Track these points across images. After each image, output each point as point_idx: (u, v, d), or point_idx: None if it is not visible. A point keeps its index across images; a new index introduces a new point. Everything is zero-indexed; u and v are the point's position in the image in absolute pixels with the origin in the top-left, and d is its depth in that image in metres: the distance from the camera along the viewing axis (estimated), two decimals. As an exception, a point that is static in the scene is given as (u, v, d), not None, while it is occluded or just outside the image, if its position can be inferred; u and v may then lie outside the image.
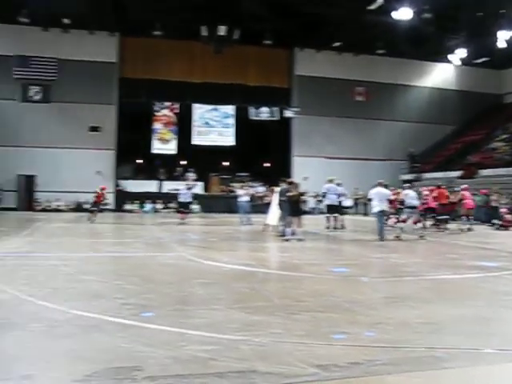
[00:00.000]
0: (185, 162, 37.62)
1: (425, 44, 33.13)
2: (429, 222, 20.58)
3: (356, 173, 33.42)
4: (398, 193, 20.58)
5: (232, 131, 35.77)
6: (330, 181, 19.59)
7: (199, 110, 35.64)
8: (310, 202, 30.46)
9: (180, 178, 34.99)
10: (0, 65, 31.16)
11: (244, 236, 18.58)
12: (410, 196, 17.78)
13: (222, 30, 28.77)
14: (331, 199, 20.20)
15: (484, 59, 35.69)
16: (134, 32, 32.61)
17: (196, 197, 33.26)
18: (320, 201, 24.19)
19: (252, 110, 35.32)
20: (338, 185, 21.37)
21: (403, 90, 37.43)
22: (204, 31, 29.48)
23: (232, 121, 35.89)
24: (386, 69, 35.88)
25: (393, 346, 4.90)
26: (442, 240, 17.27)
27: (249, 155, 35.92)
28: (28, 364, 4.32)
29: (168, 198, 33.14)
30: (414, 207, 17.78)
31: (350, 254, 12.97)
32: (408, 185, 20.46)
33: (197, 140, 35.28)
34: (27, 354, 4.58)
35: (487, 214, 23.98)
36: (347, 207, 23.35)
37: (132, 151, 35.71)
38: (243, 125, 35.18)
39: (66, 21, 30.75)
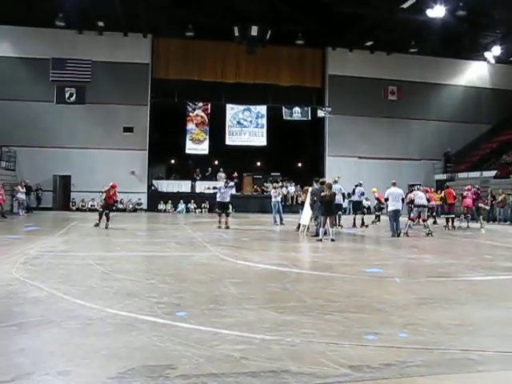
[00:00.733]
0: (217, 162, 37.82)
1: (458, 42, 32.71)
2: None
3: (389, 173, 33.03)
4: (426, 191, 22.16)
5: (264, 131, 35.73)
6: (335, 181, 19.71)
7: (232, 111, 35.70)
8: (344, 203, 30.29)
9: (213, 177, 35.25)
10: (37, 68, 31.88)
11: (276, 236, 18.57)
12: (418, 196, 18.70)
13: (254, 31, 28.77)
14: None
15: (520, 57, 35.00)
16: (167, 33, 32.95)
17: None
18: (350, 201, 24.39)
19: (285, 110, 35.25)
20: (360, 185, 22.55)
21: (437, 89, 36.91)
22: (236, 32, 29.54)
23: (264, 121, 35.85)
24: (418, 67, 35.46)
25: (426, 348, 4.84)
26: (477, 240, 17.08)
27: (281, 155, 35.88)
28: (64, 360, 4.40)
29: (201, 198, 33.38)
30: (423, 206, 18.55)
31: (382, 254, 12.85)
32: (417, 185, 21.30)
33: (229, 140, 35.35)
34: (63, 351, 4.66)
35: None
36: (367, 207, 23.56)
37: (165, 151, 36.01)
38: (276, 125, 35.11)
39: (100, 23, 31.26)
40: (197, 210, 33.16)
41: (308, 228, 17.81)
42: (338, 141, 35.29)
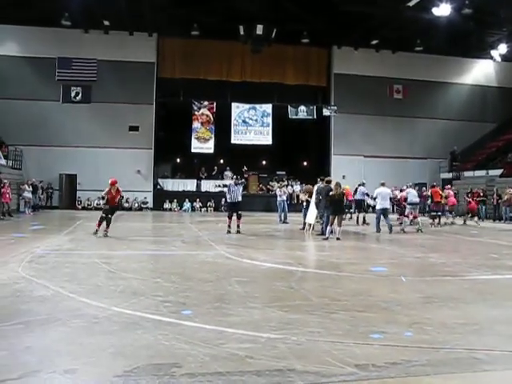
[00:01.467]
0: (223, 161, 37.84)
1: (464, 40, 32.54)
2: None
3: (395, 171, 33.06)
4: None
5: (270, 130, 35.70)
6: (362, 184, 20.10)
7: (237, 109, 35.66)
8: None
9: (219, 176, 35.32)
10: (43, 67, 31.93)
11: (282, 234, 18.58)
12: (411, 194, 20.05)
13: (259, 30, 28.75)
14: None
15: (527, 55, 34.82)
16: (172, 32, 32.92)
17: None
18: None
19: (290, 109, 35.21)
20: (363, 185, 23.45)
21: (442, 88, 36.74)
22: (242, 31, 29.53)
23: (270, 120, 35.82)
24: (424, 66, 35.27)
25: (431, 347, 4.85)
26: (483, 239, 17.04)
27: (287, 154, 35.86)
28: (70, 358, 4.42)
29: (207, 197, 33.43)
30: (415, 204, 20.00)
31: (388, 253, 12.85)
32: (410, 184, 22.15)
33: (235, 139, 35.32)
34: (69, 349, 4.69)
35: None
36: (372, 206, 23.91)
37: (170, 150, 36.07)
38: (281, 123, 35.07)
39: (105, 23, 31.29)
40: (202, 209, 33.18)
41: (313, 227, 17.80)
42: (343, 139, 35.21)
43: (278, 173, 35.52)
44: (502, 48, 32.41)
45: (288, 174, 35.76)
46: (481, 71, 38.00)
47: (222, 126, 34.96)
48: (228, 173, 35.11)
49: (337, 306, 6.56)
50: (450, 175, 34.89)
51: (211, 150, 35.07)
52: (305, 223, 18.59)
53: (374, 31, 32.05)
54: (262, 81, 34.86)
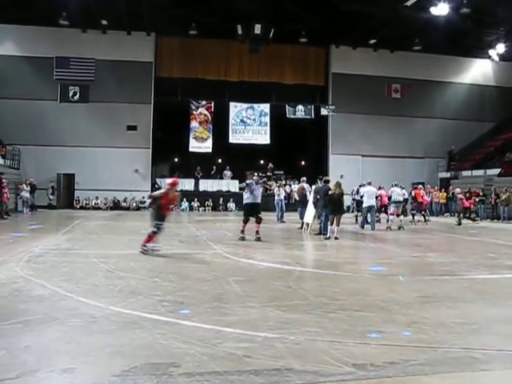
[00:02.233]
0: (221, 161, 37.86)
1: (462, 40, 32.66)
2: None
3: (393, 171, 33.08)
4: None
5: (268, 129, 35.75)
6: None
7: (235, 109, 35.72)
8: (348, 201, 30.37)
9: (217, 176, 35.36)
10: (41, 66, 31.96)
11: (280, 234, 18.60)
12: (396, 192, 20.75)
13: (257, 29, 28.76)
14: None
15: (524, 54, 34.85)
16: (170, 32, 32.94)
17: (232, 195, 33.50)
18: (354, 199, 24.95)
19: (288, 109, 35.24)
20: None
21: (440, 87, 36.78)
22: (240, 30, 29.53)
23: (268, 119, 35.87)
24: (422, 65, 35.32)
25: (429, 346, 4.85)
26: (481, 239, 17.09)
27: (285, 153, 35.86)
28: (69, 358, 4.42)
29: (204, 196, 33.45)
30: (399, 202, 20.70)
31: (386, 253, 12.85)
32: (394, 182, 22.19)
33: (233, 138, 35.37)
34: (67, 349, 4.69)
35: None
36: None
37: (168, 150, 36.09)
38: (279, 123, 35.14)
39: (103, 22, 31.29)
40: (200, 209, 33.20)
41: (310, 226, 17.80)
42: (341, 139, 35.25)
43: (275, 172, 35.49)
44: (500, 47, 32.45)
45: (286, 173, 35.75)
46: (479, 70, 38.06)
47: (220, 125, 35.03)
48: (227, 172, 35.23)
49: (335, 305, 6.57)
50: (447, 174, 34.95)
51: (209, 150, 35.14)
52: (303, 223, 18.61)
53: (373, 31, 32.12)
54: (260, 80, 34.94)
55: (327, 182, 16.69)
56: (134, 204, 32.69)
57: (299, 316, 5.98)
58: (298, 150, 38.30)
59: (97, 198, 32.39)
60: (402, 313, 6.22)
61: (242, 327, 5.41)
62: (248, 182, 16.03)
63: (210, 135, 35.06)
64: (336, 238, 15.20)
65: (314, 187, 18.10)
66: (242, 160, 35.35)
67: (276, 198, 23.46)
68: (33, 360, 4.35)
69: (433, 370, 4.27)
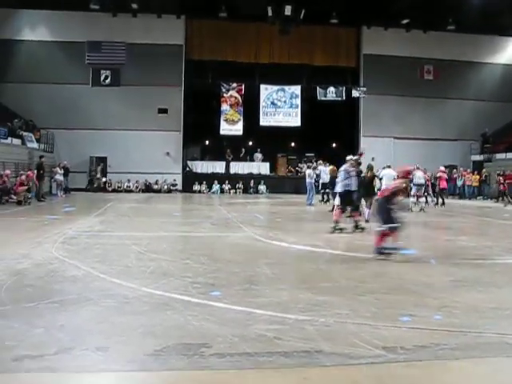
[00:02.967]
0: (251, 143, 37.82)
1: (498, 18, 31.74)
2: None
3: (425, 153, 32.65)
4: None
5: (299, 112, 35.54)
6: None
7: (266, 91, 35.54)
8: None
9: (247, 158, 35.40)
10: (73, 51, 32.25)
11: (311, 217, 18.56)
12: (417, 176, 20.72)
13: (288, 10, 28.46)
14: None
15: None
16: (200, 14, 32.85)
17: (263, 178, 33.55)
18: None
19: (319, 91, 34.97)
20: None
21: (475, 68, 35.93)
22: (270, 12, 29.28)
23: (298, 101, 35.64)
24: (456, 45, 34.52)
25: (461, 331, 4.82)
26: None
27: (316, 135, 35.56)
28: (102, 337, 4.53)
29: (235, 179, 33.51)
30: (420, 185, 21.06)
31: (419, 236, 12.74)
32: (417, 165, 22.23)
33: (264, 121, 35.23)
34: (101, 328, 4.80)
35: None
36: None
37: (199, 132, 36.09)
38: (310, 105, 34.86)
39: (134, 6, 31.33)
40: (231, 191, 33.29)
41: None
42: (372, 121, 34.85)
43: (306, 154, 35.33)
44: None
45: (317, 155, 35.55)
46: (515, 50, 37.09)
47: (250, 107, 34.90)
48: (258, 155, 35.21)
49: (365, 288, 6.56)
50: (481, 157, 34.34)
51: (240, 132, 35.09)
52: (333, 205, 18.50)
53: (405, 10, 31.50)
54: (290, 62, 34.64)
55: (359, 164, 16.54)
56: (166, 187, 32.92)
57: (329, 298, 5.99)
58: (329, 133, 37.85)
59: (128, 180, 32.69)
60: (434, 296, 6.18)
61: (272, 309, 5.45)
62: (343, 168, 14.04)
63: (241, 118, 35.01)
64: (367, 221, 15.09)
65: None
66: (272, 142, 35.24)
67: (307, 180, 23.29)
68: (68, 338, 4.46)
69: (464, 354, 4.26)
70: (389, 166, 19.14)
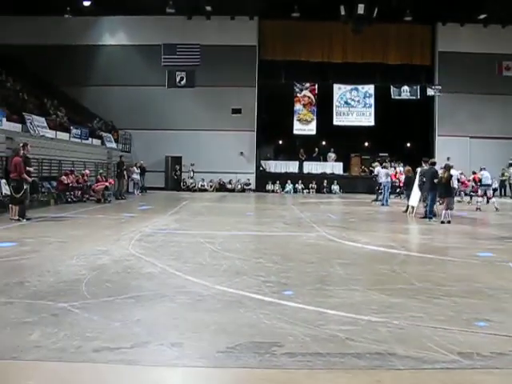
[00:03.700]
0: (324, 143, 37.63)
1: None
2: None
3: (503, 153, 31.53)
4: None
5: (372, 111, 35.08)
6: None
7: (339, 91, 35.28)
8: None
9: (320, 158, 35.27)
10: (150, 54, 33.29)
11: (384, 217, 18.29)
12: (484, 176, 21.47)
13: (360, 9, 28.13)
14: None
15: None
16: (273, 15, 32.96)
17: (336, 177, 33.35)
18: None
19: (393, 89, 34.38)
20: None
21: (559, 63, 34.37)
22: (342, 11, 29.04)
23: (372, 100, 35.18)
24: (538, 40, 33.13)
25: (542, 337, 4.63)
26: None
27: (389, 135, 35.00)
28: (176, 333, 4.64)
29: (309, 179, 33.46)
30: (488, 185, 21.68)
31: (495, 238, 12.29)
32: (483, 166, 22.74)
33: (337, 120, 34.96)
34: (175, 324, 4.92)
35: None
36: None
37: (273, 132, 36.25)
38: (384, 104, 34.31)
39: (208, 8, 31.79)
40: (304, 191, 33.23)
41: (415, 209, 17.38)
42: (448, 120, 33.91)
43: (380, 154, 34.82)
44: None
45: (391, 155, 34.97)
46: None
47: (323, 107, 34.73)
48: (332, 154, 35.05)
49: (440, 291, 6.41)
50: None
51: (313, 132, 34.99)
52: (408, 206, 18.21)
53: (482, 5, 30.41)
54: (363, 61, 34.22)
55: (433, 164, 16.22)
56: (239, 186, 33.24)
57: (403, 300, 5.90)
58: (403, 132, 37.17)
59: (203, 179, 33.21)
60: (512, 301, 5.98)
61: (345, 310, 5.42)
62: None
63: (314, 117, 34.90)
64: (443, 222, 14.77)
65: (419, 170, 17.64)
66: (345, 142, 34.98)
67: (383, 180, 22.86)
68: (144, 333, 4.60)
69: (546, 363, 4.08)
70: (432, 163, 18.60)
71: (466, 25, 33.83)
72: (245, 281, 6.80)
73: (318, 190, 32.97)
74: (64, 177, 20.95)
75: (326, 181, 33.35)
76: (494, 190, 25.43)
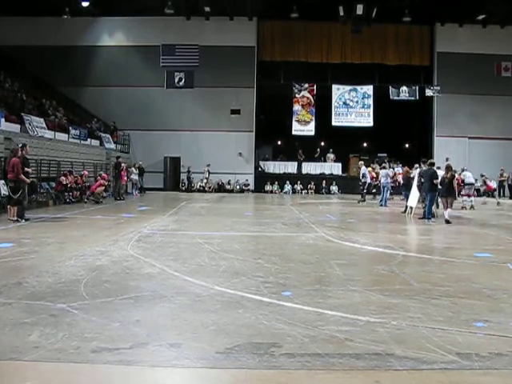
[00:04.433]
0: (323, 144, 37.65)
1: None
2: None
3: (502, 154, 31.58)
4: None
5: (371, 112, 35.10)
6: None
7: (338, 91, 35.29)
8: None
9: (320, 159, 35.30)
10: (149, 54, 33.36)
11: (383, 217, 18.29)
12: (467, 176, 21.88)
13: (359, 9, 28.14)
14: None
15: None
16: (272, 15, 33.03)
17: (335, 178, 33.37)
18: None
19: (392, 90, 34.41)
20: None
21: (557, 64, 34.40)
22: (341, 11, 29.05)
23: (371, 101, 35.19)
24: (537, 40, 33.16)
25: (540, 338, 4.63)
26: None
27: (388, 136, 35.07)
28: (175, 333, 4.64)
29: (307, 179, 33.50)
30: (471, 184, 22.10)
31: (493, 239, 12.33)
32: (464, 167, 23.84)
33: (336, 121, 34.98)
34: (174, 325, 4.91)
35: None
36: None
37: (271, 133, 36.28)
38: (382, 105, 34.37)
39: (207, 9, 31.82)
40: (303, 191, 33.25)
41: (413, 210, 17.40)
42: (446, 120, 33.94)
43: (379, 155, 34.83)
44: None
45: (389, 156, 35.00)
46: None
47: (322, 108, 34.78)
48: (331, 155, 35.10)
49: (438, 291, 6.42)
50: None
51: (312, 133, 35.02)
52: (406, 206, 18.23)
53: (481, 5, 30.44)
54: (362, 62, 34.33)
55: (432, 164, 16.23)
56: (238, 186, 33.26)
57: (402, 301, 5.90)
58: (402, 132, 37.29)
59: (201, 180, 33.21)
60: (511, 302, 5.98)
61: (343, 310, 5.43)
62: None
63: (313, 118, 34.93)
64: (447, 222, 14.80)
65: (418, 170, 17.66)
66: (344, 143, 35.00)
67: (382, 180, 22.91)
68: (143, 333, 4.60)
69: (544, 363, 4.09)
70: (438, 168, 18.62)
71: (464, 25, 33.89)
72: (244, 281, 6.80)
73: (317, 191, 33.00)
74: (63, 177, 20.94)
75: (324, 181, 33.38)
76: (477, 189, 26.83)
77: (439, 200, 16.91)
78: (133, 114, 32.55)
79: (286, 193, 32.96)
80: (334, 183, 33.34)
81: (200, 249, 9.55)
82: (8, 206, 14.05)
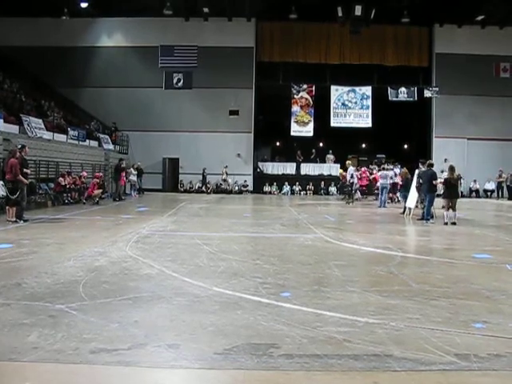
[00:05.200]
0: (322, 144, 37.67)
1: None
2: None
3: (500, 155, 31.60)
4: None
5: (369, 112, 35.08)
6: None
7: (336, 92, 35.25)
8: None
9: (318, 160, 35.29)
10: (147, 55, 33.32)
11: (381, 218, 18.29)
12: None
13: (358, 10, 28.13)
14: None
15: None
16: (270, 16, 33.05)
17: (333, 179, 33.37)
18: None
19: (391, 91, 34.41)
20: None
21: (556, 65, 34.41)
22: (340, 12, 29.04)
23: (369, 102, 35.18)
24: (536, 41, 33.17)
25: (539, 339, 4.64)
26: None
27: (387, 136, 35.11)
28: (174, 334, 4.64)
29: (306, 180, 33.51)
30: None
31: (492, 240, 12.35)
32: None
33: (334, 122, 34.93)
34: (172, 325, 4.92)
35: None
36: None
37: (270, 134, 36.27)
38: (381, 106, 34.37)
39: (205, 10, 31.83)
40: (301, 192, 33.25)
41: (412, 211, 17.41)
42: (445, 121, 33.91)
43: (377, 156, 34.84)
44: None
45: (388, 156, 35.01)
46: None
47: (321, 109, 34.76)
48: (330, 156, 35.05)
49: (437, 292, 6.43)
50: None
51: (310, 134, 34.99)
52: (405, 207, 18.25)
53: (479, 6, 30.45)
54: (361, 62, 34.30)
55: (431, 165, 16.23)
56: (237, 188, 33.25)
57: (400, 302, 5.91)
58: (401, 133, 37.34)
59: (200, 181, 33.20)
60: (509, 303, 5.99)
61: (342, 311, 5.44)
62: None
63: (312, 119, 34.90)
64: (453, 224, 14.83)
65: (417, 171, 17.67)
66: (343, 144, 35.03)
67: (380, 181, 22.89)
68: (141, 334, 4.61)
69: (543, 364, 4.09)
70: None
71: (463, 26, 33.85)
72: (242, 282, 6.80)
73: (316, 192, 33.01)
74: (61, 178, 20.93)
75: (323, 182, 33.38)
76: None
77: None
78: (131, 115, 32.51)
79: (284, 194, 32.96)
80: (333, 184, 33.33)
81: (198, 250, 9.55)
82: (7, 207, 14.06)
